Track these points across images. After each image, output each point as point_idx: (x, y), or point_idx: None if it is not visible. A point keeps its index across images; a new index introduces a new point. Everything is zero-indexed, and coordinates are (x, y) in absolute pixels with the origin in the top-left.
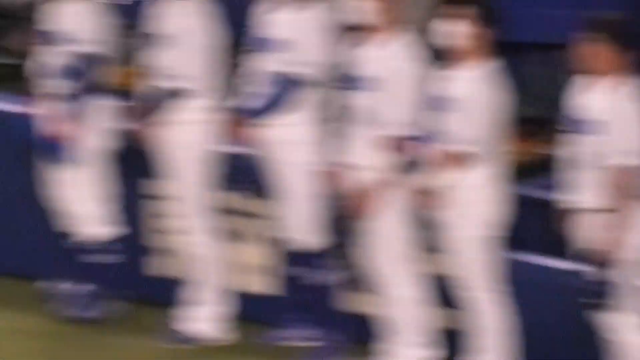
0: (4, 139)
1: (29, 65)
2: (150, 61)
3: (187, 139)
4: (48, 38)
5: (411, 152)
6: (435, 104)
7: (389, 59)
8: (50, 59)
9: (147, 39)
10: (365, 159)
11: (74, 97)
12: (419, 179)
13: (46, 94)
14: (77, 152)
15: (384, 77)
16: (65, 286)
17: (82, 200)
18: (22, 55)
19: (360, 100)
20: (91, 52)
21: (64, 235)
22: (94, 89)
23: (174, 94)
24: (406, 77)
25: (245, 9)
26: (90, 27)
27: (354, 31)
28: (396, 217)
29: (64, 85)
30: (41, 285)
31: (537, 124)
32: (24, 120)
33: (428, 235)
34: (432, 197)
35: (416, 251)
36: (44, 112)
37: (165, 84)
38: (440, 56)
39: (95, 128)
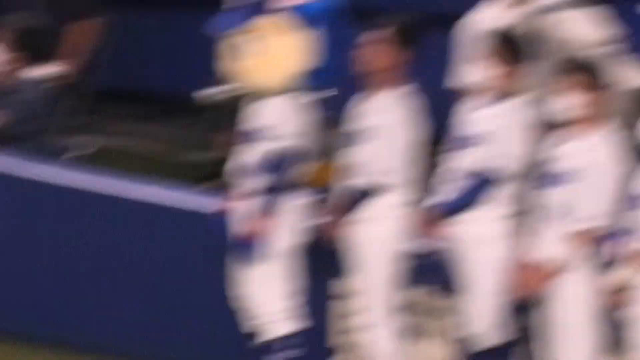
0: (201, 237)
1: (230, 163)
2: (349, 157)
3: (379, 235)
4: (248, 136)
5: (608, 249)
6: (632, 201)
7: (589, 152)
8: (249, 157)
9: (347, 134)
10: (557, 253)
11: (269, 192)
12: (612, 277)
13: (243, 193)
14: (268, 249)
15: (582, 169)
16: None
17: (270, 298)
18: (225, 152)
19: (556, 195)
20: (290, 148)
21: (250, 336)
22: (290, 185)
23: (369, 191)
24: (605, 170)
25: (449, 104)
26: (290, 122)
27: (556, 126)
28: (584, 312)
29: (260, 182)
30: None
31: None
32: (221, 219)
33: (617, 334)
34: (625, 295)
35: (604, 350)
36: (240, 211)
37: (362, 180)
38: None
39: (289, 225)
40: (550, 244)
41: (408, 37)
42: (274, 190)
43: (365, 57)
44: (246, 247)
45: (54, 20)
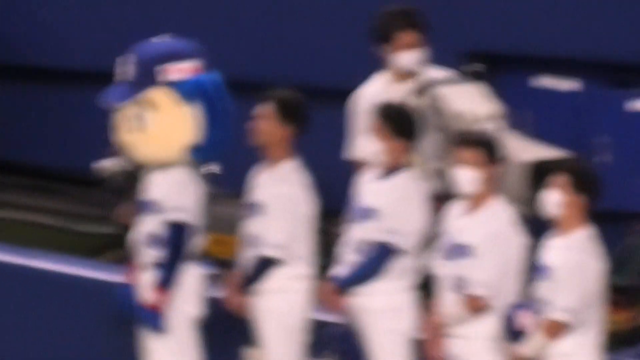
0: (105, 308)
1: (130, 234)
2: (246, 229)
3: (278, 308)
4: (142, 207)
5: (519, 319)
6: (534, 272)
7: (481, 225)
8: (145, 227)
9: (246, 206)
10: (455, 325)
11: (162, 265)
12: (525, 347)
13: (141, 263)
14: (168, 320)
15: (476, 244)
16: None
17: None
18: (125, 225)
19: (450, 267)
20: (180, 220)
21: None
22: (185, 257)
23: (266, 263)
24: (499, 243)
25: (342, 176)
26: (178, 196)
27: (449, 199)
28: None
29: (152, 254)
30: None
31: (634, 293)
32: (124, 290)
33: None
34: None
35: None
36: (139, 281)
37: (258, 252)
38: (543, 225)
39: (187, 296)
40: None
41: (288, 111)
42: (168, 262)
43: (252, 131)
44: (148, 316)
45: None
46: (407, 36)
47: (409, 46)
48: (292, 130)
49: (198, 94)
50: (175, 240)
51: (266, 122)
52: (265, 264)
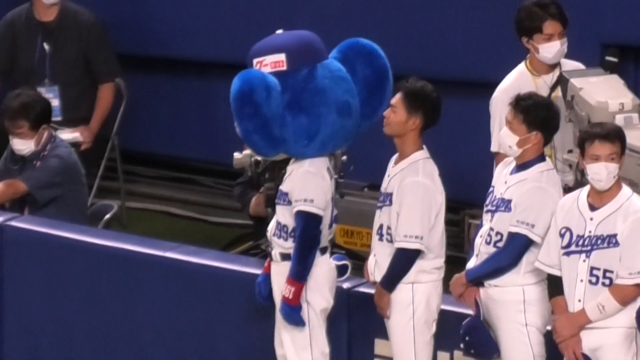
0: (240, 300)
1: (264, 226)
2: (378, 221)
3: (410, 299)
4: (278, 198)
5: None
6: None
7: (627, 218)
8: (278, 219)
9: (377, 198)
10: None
11: (295, 257)
12: None
13: (275, 254)
14: (301, 312)
15: (622, 234)
16: None
17: None
18: (258, 216)
19: (591, 260)
20: (309, 211)
21: None
22: (320, 248)
23: (405, 255)
24: None
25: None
26: (309, 187)
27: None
28: None
29: (286, 245)
30: None
31: None
32: (262, 281)
33: None
34: None
35: None
36: (274, 273)
37: (395, 244)
38: None
39: (317, 288)
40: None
41: (416, 101)
42: (299, 254)
43: (384, 121)
44: (283, 311)
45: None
46: (550, 27)
47: (552, 38)
48: (421, 120)
49: (263, 90)
50: (305, 231)
51: (395, 113)
52: (404, 256)
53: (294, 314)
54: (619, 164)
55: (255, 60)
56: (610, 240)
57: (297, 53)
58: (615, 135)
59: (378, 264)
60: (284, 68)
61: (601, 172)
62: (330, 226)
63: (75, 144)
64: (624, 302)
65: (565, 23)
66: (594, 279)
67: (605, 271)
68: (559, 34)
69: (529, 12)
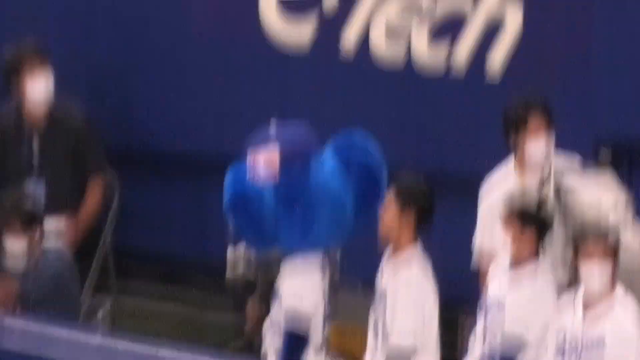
0: None
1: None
2: (372, 318)
3: None
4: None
5: None
6: None
7: (612, 322)
8: (273, 316)
9: (371, 296)
10: None
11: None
12: None
13: (267, 350)
14: None
15: (609, 341)
16: None
17: None
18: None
19: None
20: (297, 307)
21: None
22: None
23: (398, 352)
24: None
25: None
26: (298, 284)
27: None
28: None
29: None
30: None
31: None
32: None
33: None
34: None
35: None
36: None
37: (389, 341)
38: None
39: None
40: None
41: (408, 197)
42: (284, 352)
43: (381, 218)
44: None
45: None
46: (533, 124)
47: (537, 134)
48: (414, 216)
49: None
50: (293, 328)
51: (387, 210)
52: (399, 354)
53: None
54: (613, 263)
55: (250, 154)
56: (599, 343)
57: (292, 149)
58: (609, 234)
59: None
60: (277, 165)
61: (594, 270)
62: (324, 325)
63: (61, 235)
64: None
65: (549, 120)
66: None
67: None
68: (542, 130)
69: (511, 110)
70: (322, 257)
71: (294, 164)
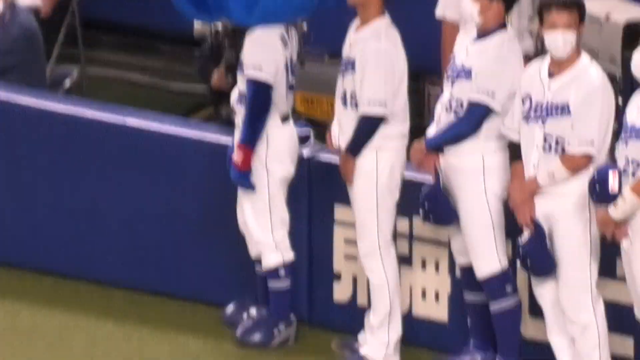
0: (197, 166)
1: (232, 93)
2: (340, 87)
3: (372, 166)
4: (239, 66)
5: (612, 180)
6: (628, 131)
7: (577, 84)
8: (239, 87)
9: (340, 65)
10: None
11: (244, 123)
12: (610, 209)
13: (236, 122)
14: (257, 179)
15: (573, 101)
16: (252, 311)
17: (261, 228)
18: (219, 87)
19: (548, 125)
20: (258, 78)
21: (251, 262)
22: (268, 115)
23: (369, 121)
24: (595, 100)
25: (433, 35)
26: (259, 54)
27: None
28: (584, 245)
29: (242, 112)
30: (228, 310)
31: None
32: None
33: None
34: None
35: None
36: (231, 140)
37: (360, 110)
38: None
39: (277, 155)
40: (544, 167)
41: None
42: (247, 120)
43: None
44: (234, 176)
45: None
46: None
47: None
48: None
49: None
50: (254, 98)
51: None
52: (368, 122)
53: (244, 179)
54: (577, 33)
55: None
56: (564, 109)
57: None
58: (572, 4)
59: (342, 130)
60: None
61: (558, 40)
62: (287, 94)
63: (34, 11)
64: (574, 170)
65: None
66: (547, 146)
67: (557, 139)
68: None
69: None
70: (284, 29)
71: None
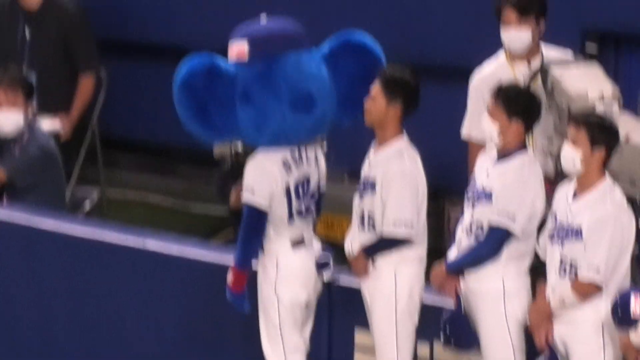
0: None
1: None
2: (359, 208)
3: (390, 289)
4: None
5: (630, 307)
6: None
7: (595, 207)
8: None
9: (358, 185)
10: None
11: (237, 245)
12: (632, 334)
13: None
14: (269, 304)
15: (586, 227)
16: None
17: (277, 354)
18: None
19: (567, 248)
20: (252, 203)
21: None
22: (281, 239)
23: (390, 242)
24: (611, 224)
25: (455, 156)
26: (255, 178)
27: (559, 179)
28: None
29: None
30: None
31: None
32: None
33: None
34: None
35: None
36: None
37: (382, 231)
38: None
39: (289, 278)
40: (558, 291)
41: (394, 88)
42: (240, 243)
43: (365, 109)
44: (230, 298)
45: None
46: (506, 14)
47: (508, 25)
48: (401, 107)
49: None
50: (246, 221)
51: (374, 102)
52: (391, 241)
53: (237, 301)
54: (584, 151)
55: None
56: (578, 233)
57: (261, 43)
58: (581, 121)
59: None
60: (245, 57)
61: (566, 153)
62: (291, 218)
63: (54, 134)
64: (581, 297)
65: (522, 12)
66: (562, 270)
67: (572, 263)
68: (516, 21)
69: None
70: (292, 151)
71: (262, 58)
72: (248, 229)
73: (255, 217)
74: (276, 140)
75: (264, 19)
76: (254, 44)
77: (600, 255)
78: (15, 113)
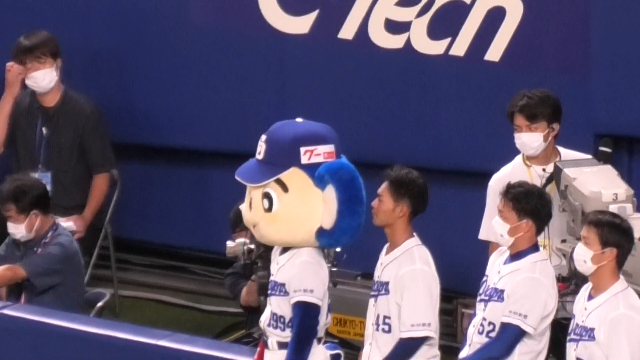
0: None
1: (256, 315)
2: (373, 310)
3: None
4: (271, 288)
5: None
6: None
7: (602, 310)
8: (272, 309)
9: (372, 287)
10: None
11: (293, 347)
12: None
13: (269, 344)
14: None
15: (592, 329)
16: None
17: None
18: (249, 305)
19: (580, 349)
20: (309, 302)
21: None
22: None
23: (413, 343)
24: (623, 328)
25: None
26: (308, 278)
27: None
28: None
29: (281, 334)
30: None
31: None
32: None
33: None
34: None
35: None
36: None
37: (402, 333)
38: None
39: None
40: None
41: (402, 189)
42: (297, 343)
43: (373, 210)
44: None
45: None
46: (517, 119)
47: (519, 129)
48: (408, 207)
49: (332, 179)
50: (305, 322)
51: (381, 202)
52: (410, 344)
53: None
54: (595, 251)
55: (303, 149)
56: (591, 334)
57: (338, 145)
58: (592, 221)
59: (377, 353)
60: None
61: (577, 252)
62: (327, 316)
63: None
64: None
65: (531, 118)
66: None
67: None
68: (527, 126)
69: (510, 103)
70: (322, 250)
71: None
72: (306, 329)
73: (314, 316)
74: (339, 241)
75: (304, 121)
76: (337, 146)
77: (624, 357)
78: (14, 225)
